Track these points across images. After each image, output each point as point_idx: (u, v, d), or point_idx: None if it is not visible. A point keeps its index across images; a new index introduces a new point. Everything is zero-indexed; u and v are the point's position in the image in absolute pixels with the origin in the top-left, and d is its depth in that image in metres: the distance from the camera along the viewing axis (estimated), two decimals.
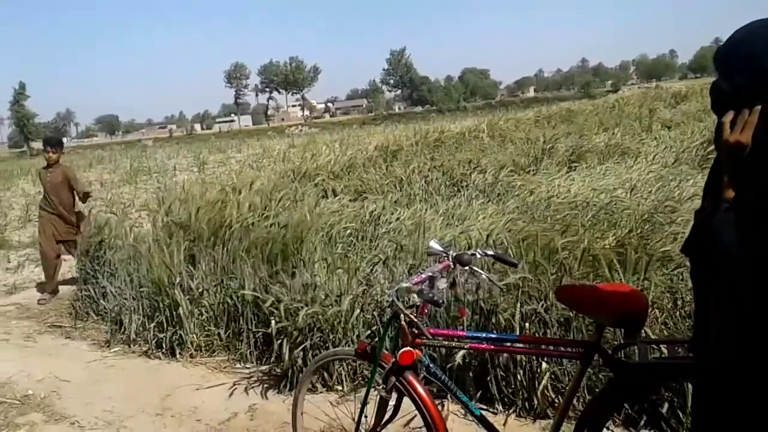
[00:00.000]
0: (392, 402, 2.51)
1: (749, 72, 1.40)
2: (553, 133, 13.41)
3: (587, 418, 2.15)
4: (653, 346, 2.85)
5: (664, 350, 2.75)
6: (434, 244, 2.60)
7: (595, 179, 6.76)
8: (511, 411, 3.27)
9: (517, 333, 3.26)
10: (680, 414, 2.71)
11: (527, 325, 3.32)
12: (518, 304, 3.35)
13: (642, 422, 2.87)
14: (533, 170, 8.74)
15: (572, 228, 4.42)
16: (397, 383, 2.36)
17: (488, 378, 3.34)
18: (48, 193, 6.68)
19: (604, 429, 2.18)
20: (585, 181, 6.64)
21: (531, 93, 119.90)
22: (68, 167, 7.05)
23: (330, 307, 3.74)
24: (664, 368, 2.12)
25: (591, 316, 2.12)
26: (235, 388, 3.94)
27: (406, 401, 2.41)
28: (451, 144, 14.07)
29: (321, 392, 3.68)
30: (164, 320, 4.71)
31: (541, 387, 3.16)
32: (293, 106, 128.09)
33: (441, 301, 2.30)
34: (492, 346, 2.42)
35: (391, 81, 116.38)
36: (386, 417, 2.54)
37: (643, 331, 2.97)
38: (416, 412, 2.34)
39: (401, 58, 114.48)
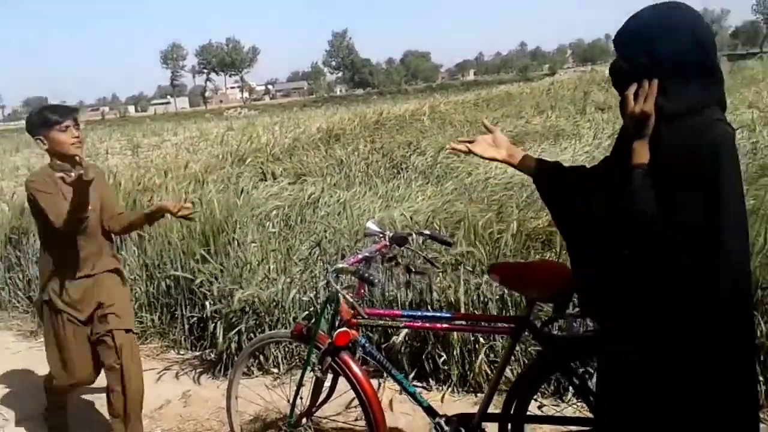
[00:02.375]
0: (328, 383, 2.51)
1: (646, 52, 1.58)
2: (493, 115, 13.62)
3: (516, 391, 2.21)
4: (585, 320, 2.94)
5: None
6: (371, 225, 2.60)
7: None
8: (447, 387, 3.32)
9: (462, 310, 3.29)
10: None
11: (463, 301, 3.36)
12: (454, 282, 3.39)
13: (570, 395, 2.97)
14: None
15: (507, 208, 4.51)
16: (332, 364, 2.36)
17: (424, 355, 3.38)
18: (78, 234, 2.82)
19: (533, 401, 2.25)
20: None
21: (471, 76, 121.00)
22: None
23: (265, 289, 3.70)
24: (591, 342, 2.19)
25: (521, 292, 2.17)
26: (168, 375, 3.86)
27: (343, 381, 2.42)
28: (391, 126, 14.11)
29: (257, 376, 3.65)
30: None
31: (477, 362, 3.22)
32: (232, 87, 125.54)
33: (377, 281, 2.31)
34: (427, 324, 2.45)
35: (333, 63, 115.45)
36: (322, 398, 2.55)
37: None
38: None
39: (343, 40, 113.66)
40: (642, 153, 1.58)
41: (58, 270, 2.86)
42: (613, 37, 1.69)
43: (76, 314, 2.84)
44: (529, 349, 3.12)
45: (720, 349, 1.56)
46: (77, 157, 2.80)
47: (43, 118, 2.79)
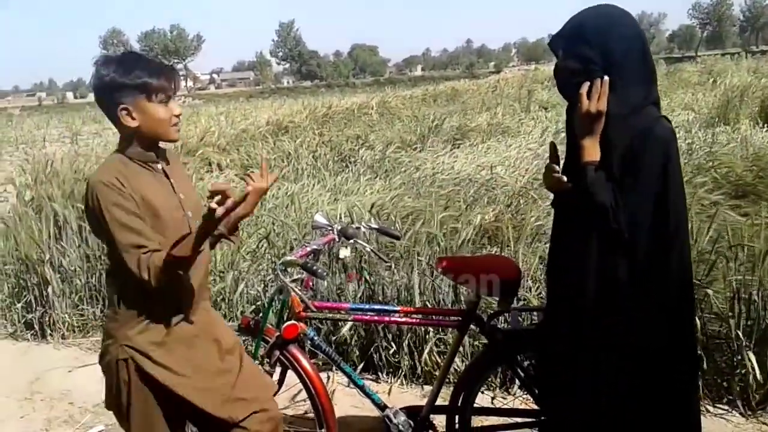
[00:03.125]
0: (276, 376, 2.50)
1: (599, 50, 1.60)
2: (440, 111, 13.74)
3: (464, 383, 2.26)
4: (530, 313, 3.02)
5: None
6: (319, 218, 2.59)
7: (477, 157, 7.02)
8: (396, 379, 3.35)
9: (417, 302, 3.32)
10: None
11: (418, 294, 3.38)
12: (408, 275, 3.42)
13: (516, 387, 3.04)
14: (420, 147, 8.92)
15: (455, 203, 4.58)
16: (281, 357, 2.36)
17: (373, 348, 3.40)
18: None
19: (480, 393, 2.30)
20: (468, 159, 6.89)
21: (418, 71, 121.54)
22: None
23: (213, 284, 3.65)
24: (535, 334, 2.25)
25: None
26: None
27: (291, 375, 2.41)
28: (339, 119, 14.08)
29: None
30: (33, 300, 4.40)
31: (425, 354, 3.26)
32: None
33: (325, 274, 2.31)
34: (375, 317, 2.46)
35: (280, 54, 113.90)
36: None
37: (523, 300, 3.17)
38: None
39: (290, 31, 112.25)
40: (593, 150, 1.62)
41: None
42: (550, 39, 1.72)
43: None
44: (479, 342, 3.17)
45: (670, 342, 1.64)
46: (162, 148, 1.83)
47: (136, 80, 1.67)
